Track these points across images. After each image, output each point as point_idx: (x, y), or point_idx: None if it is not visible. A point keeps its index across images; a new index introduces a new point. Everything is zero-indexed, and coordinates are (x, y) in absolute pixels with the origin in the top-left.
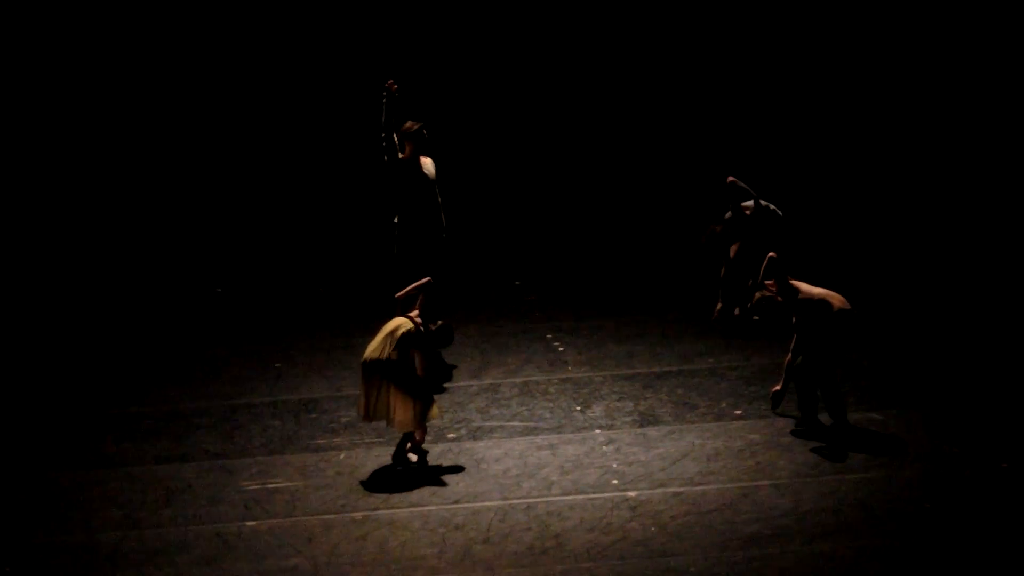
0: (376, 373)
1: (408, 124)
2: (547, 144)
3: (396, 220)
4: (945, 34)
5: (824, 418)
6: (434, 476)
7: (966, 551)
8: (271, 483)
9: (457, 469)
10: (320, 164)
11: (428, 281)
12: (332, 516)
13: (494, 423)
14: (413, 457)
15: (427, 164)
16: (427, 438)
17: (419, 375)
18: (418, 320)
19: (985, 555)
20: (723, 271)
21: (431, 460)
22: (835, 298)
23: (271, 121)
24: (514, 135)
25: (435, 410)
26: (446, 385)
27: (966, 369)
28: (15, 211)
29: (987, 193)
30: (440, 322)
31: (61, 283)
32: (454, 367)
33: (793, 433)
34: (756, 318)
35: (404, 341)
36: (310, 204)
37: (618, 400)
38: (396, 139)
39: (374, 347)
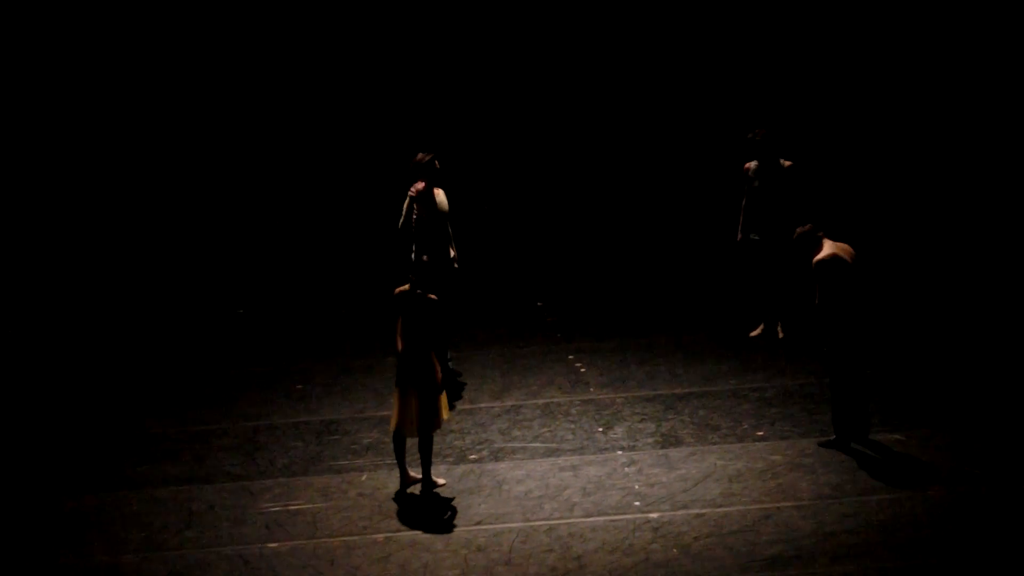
0: (408, 383)
1: (419, 156)
2: (567, 165)
3: (413, 252)
4: (945, 34)
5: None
6: (456, 497)
7: (989, 571)
8: (293, 505)
9: (479, 490)
10: (343, 188)
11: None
12: (354, 538)
13: (516, 444)
14: (441, 480)
15: (440, 196)
16: (448, 460)
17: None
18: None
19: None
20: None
21: (453, 482)
22: (843, 250)
23: (296, 145)
24: (533, 157)
25: (445, 411)
26: (467, 406)
27: (988, 389)
28: (38, 231)
29: (1010, 208)
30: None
31: (84, 305)
32: (467, 384)
33: (817, 453)
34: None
35: (398, 303)
36: (334, 227)
37: (640, 421)
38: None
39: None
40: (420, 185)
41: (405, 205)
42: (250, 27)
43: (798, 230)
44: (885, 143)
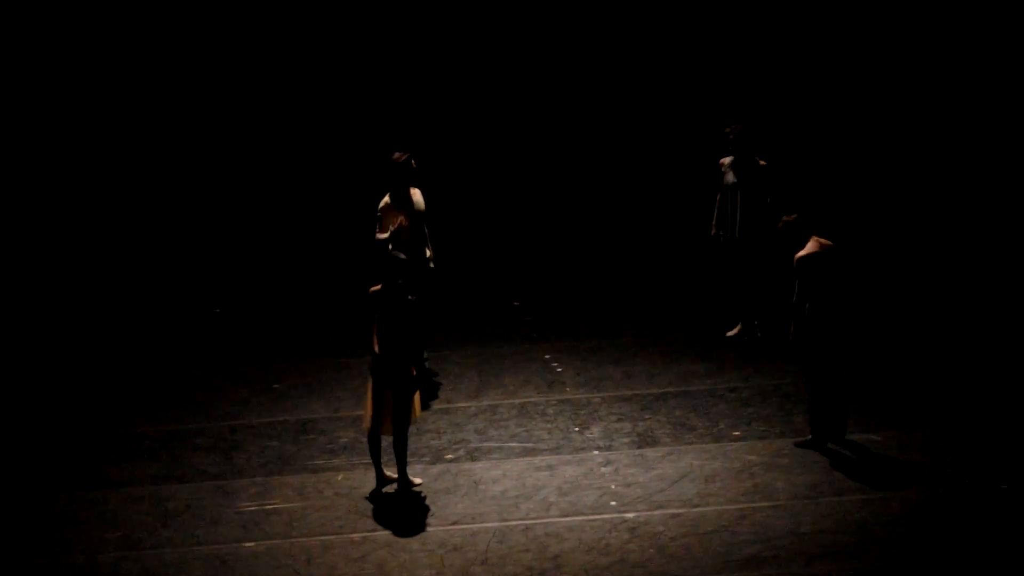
0: (383, 383)
1: (396, 155)
2: (544, 164)
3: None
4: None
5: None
6: (432, 497)
7: (965, 572)
8: (269, 504)
9: (455, 490)
10: (317, 188)
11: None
12: (331, 537)
13: (492, 444)
14: (417, 480)
15: (416, 196)
16: (424, 459)
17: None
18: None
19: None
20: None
21: (429, 481)
22: (824, 247)
23: (270, 145)
24: (509, 155)
25: (418, 409)
26: (444, 406)
27: (965, 389)
28: (13, 230)
29: (987, 207)
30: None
31: (59, 304)
32: (443, 384)
33: (794, 453)
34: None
35: (373, 302)
36: (308, 226)
37: (616, 421)
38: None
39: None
40: (404, 222)
41: (380, 213)
42: (230, 29)
43: (784, 219)
44: (865, 137)
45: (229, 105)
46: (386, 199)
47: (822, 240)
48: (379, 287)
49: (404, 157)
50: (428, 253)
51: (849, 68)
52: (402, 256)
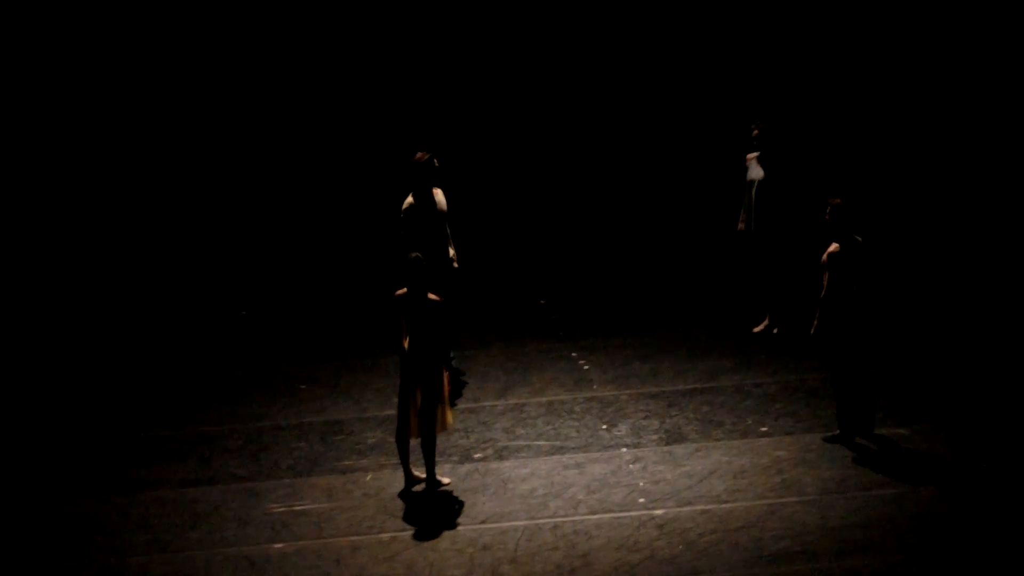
0: (413, 384)
1: (419, 155)
2: (570, 161)
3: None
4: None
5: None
6: (461, 496)
7: (995, 567)
8: (298, 505)
9: (484, 489)
10: (343, 189)
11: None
12: (360, 537)
13: (520, 443)
14: (445, 480)
15: (438, 196)
16: (452, 459)
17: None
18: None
19: (1015, 571)
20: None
21: (458, 480)
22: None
23: (297, 146)
24: (535, 153)
25: (449, 416)
26: (471, 405)
27: (993, 383)
28: (39, 233)
29: (1012, 204)
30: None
31: (88, 308)
32: (470, 383)
33: (822, 448)
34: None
35: (398, 305)
36: (333, 227)
37: (644, 418)
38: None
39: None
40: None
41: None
42: (241, 30)
43: (831, 201)
44: (892, 137)
45: (257, 106)
46: (409, 199)
47: (853, 236)
48: (404, 291)
49: (426, 157)
50: (451, 253)
51: (869, 66)
52: (422, 259)
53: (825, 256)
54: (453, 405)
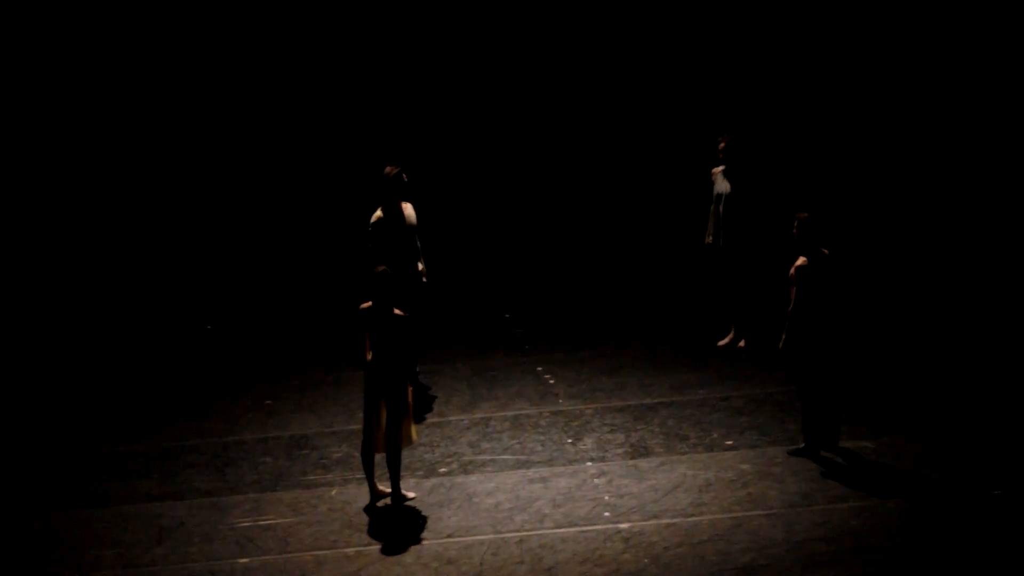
0: (377, 398)
1: (388, 169)
2: (535, 176)
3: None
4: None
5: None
6: (426, 511)
7: None
8: (263, 520)
9: (449, 503)
10: (308, 203)
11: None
12: (325, 552)
13: (486, 457)
14: (411, 494)
15: (408, 210)
16: (418, 473)
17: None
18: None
19: None
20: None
21: (423, 495)
22: (821, 256)
23: (260, 160)
24: (499, 167)
25: (414, 431)
26: (436, 419)
27: (957, 395)
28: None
29: (977, 217)
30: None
31: (50, 321)
32: (437, 397)
33: (787, 462)
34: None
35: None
36: (299, 241)
37: (609, 432)
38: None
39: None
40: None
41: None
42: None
43: (798, 215)
44: (859, 150)
45: (217, 121)
46: (378, 213)
47: (819, 250)
48: (369, 304)
49: (395, 171)
50: (421, 267)
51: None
52: (389, 272)
53: (792, 270)
54: (419, 420)
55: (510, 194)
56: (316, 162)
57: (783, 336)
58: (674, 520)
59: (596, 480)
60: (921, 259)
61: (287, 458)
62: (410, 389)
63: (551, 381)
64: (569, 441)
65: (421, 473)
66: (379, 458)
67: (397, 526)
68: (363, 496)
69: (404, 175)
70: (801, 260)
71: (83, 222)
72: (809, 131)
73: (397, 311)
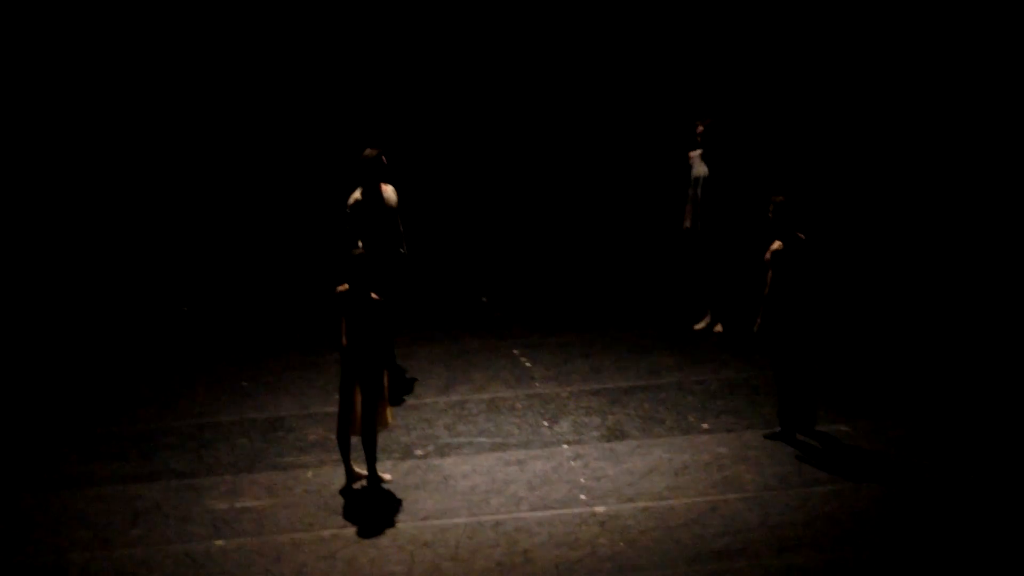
0: (352, 381)
1: (367, 152)
2: (511, 158)
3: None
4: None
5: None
6: (402, 493)
7: (935, 563)
8: (239, 502)
9: (425, 486)
10: (285, 184)
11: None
12: (301, 534)
13: (462, 439)
14: (387, 476)
15: (387, 192)
16: (394, 455)
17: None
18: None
19: (954, 568)
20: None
21: (399, 477)
22: (798, 240)
23: (236, 141)
24: (477, 150)
25: (389, 414)
26: (413, 401)
27: (934, 379)
28: None
29: (959, 201)
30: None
31: (24, 302)
32: (414, 380)
33: (763, 445)
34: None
35: (339, 302)
36: (276, 222)
37: (585, 415)
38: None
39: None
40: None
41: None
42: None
43: (774, 199)
44: (837, 133)
45: (197, 103)
46: (356, 194)
47: (796, 234)
48: (346, 287)
49: (375, 153)
50: (403, 250)
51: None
52: (366, 255)
53: (768, 254)
54: (396, 402)
55: (488, 178)
56: (293, 145)
57: (758, 320)
58: (650, 503)
59: (572, 463)
60: (899, 244)
61: (263, 440)
62: (385, 373)
63: (527, 364)
64: (545, 424)
65: (397, 455)
66: (355, 440)
67: (373, 508)
68: (339, 478)
69: (384, 158)
70: (777, 244)
71: (57, 205)
72: (787, 114)
73: (373, 295)
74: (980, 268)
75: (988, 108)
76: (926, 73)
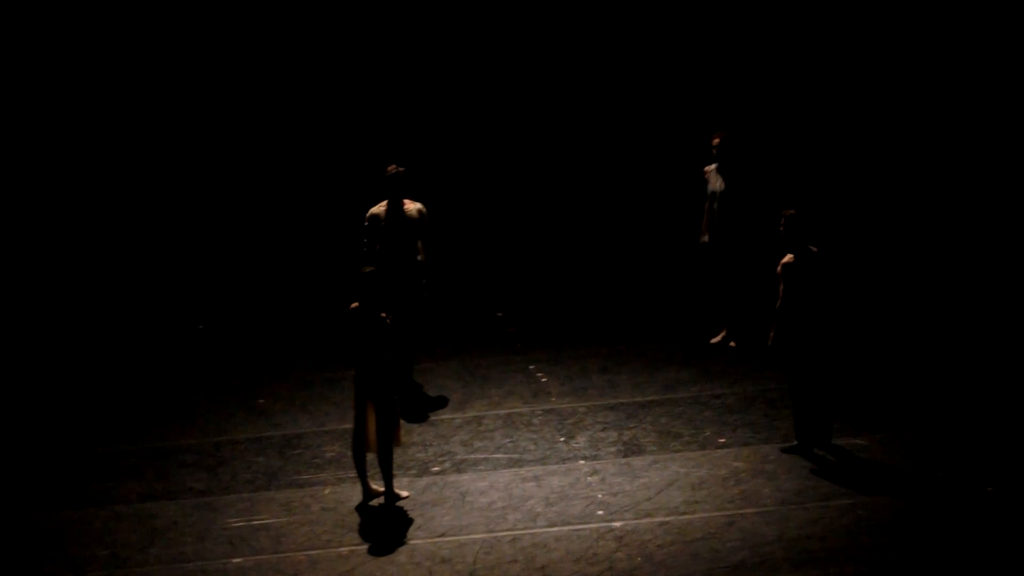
0: (366, 398)
1: (390, 168)
2: (527, 175)
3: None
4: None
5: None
6: (419, 510)
7: None
8: (256, 520)
9: (442, 502)
10: (301, 202)
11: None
12: (318, 552)
13: (478, 455)
14: (404, 493)
15: (409, 208)
16: (411, 472)
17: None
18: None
19: None
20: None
21: (416, 494)
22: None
23: (253, 159)
24: (492, 166)
25: (401, 432)
26: (429, 418)
27: (949, 392)
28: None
29: (969, 212)
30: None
31: (42, 321)
32: (424, 395)
33: (780, 459)
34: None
35: (350, 320)
36: (292, 240)
37: (602, 430)
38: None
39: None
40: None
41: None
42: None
43: (785, 213)
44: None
45: (210, 120)
46: (373, 208)
47: (807, 247)
48: (357, 304)
49: (398, 170)
50: (420, 256)
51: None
52: (376, 273)
53: (780, 267)
54: (412, 419)
55: (503, 192)
56: (308, 160)
57: (771, 333)
58: (667, 518)
59: (589, 478)
60: (912, 256)
61: (280, 457)
62: (397, 398)
63: (543, 379)
64: (562, 439)
65: (414, 472)
66: (371, 457)
67: (390, 525)
68: (356, 495)
69: (407, 174)
70: (788, 257)
71: (77, 221)
72: (802, 128)
73: (383, 314)
74: (993, 280)
75: (1001, 125)
76: (939, 90)
